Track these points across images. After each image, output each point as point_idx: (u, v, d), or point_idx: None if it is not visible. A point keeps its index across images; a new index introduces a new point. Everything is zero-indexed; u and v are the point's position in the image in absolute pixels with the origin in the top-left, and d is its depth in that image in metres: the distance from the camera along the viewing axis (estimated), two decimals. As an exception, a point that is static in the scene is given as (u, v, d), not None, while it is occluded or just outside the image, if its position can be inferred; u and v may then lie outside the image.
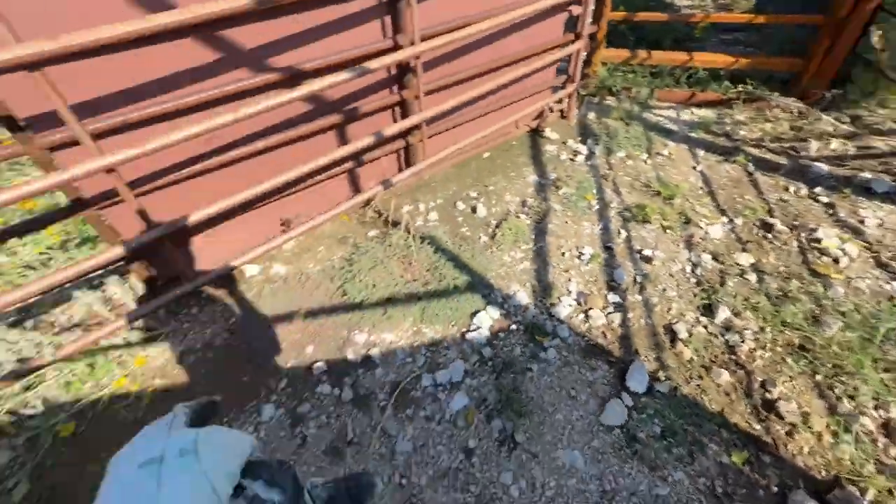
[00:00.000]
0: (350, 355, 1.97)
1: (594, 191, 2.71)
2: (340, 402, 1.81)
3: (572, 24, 3.01)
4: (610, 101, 3.45)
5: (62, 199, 2.63)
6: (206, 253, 2.23)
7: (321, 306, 2.19)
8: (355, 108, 2.30)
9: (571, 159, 2.99)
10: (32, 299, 2.03)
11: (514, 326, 2.04)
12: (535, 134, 3.27)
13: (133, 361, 1.99)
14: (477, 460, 1.61)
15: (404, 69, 2.32)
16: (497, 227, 2.53)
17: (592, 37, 3.24)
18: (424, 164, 2.66)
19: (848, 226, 2.32)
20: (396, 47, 2.19)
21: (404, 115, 2.52)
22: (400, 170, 2.82)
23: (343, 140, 2.41)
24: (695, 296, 2.10)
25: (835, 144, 2.79)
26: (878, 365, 1.72)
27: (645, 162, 2.90)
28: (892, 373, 1.69)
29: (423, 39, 2.20)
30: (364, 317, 2.12)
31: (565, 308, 2.08)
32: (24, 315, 2.10)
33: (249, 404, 1.83)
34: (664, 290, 2.13)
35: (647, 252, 2.29)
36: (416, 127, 2.53)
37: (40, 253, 2.44)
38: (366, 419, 1.75)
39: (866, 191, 2.48)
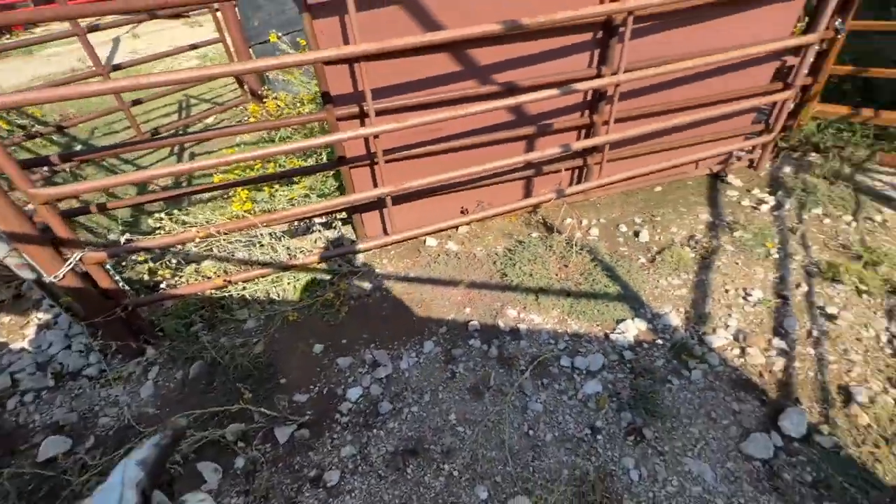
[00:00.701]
0: (500, 323, 2.27)
1: (776, 240, 2.57)
2: (487, 357, 2.11)
3: (784, 74, 2.93)
4: (814, 157, 3.19)
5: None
6: (406, 218, 2.80)
7: (483, 281, 2.56)
8: (549, 123, 2.66)
9: (754, 207, 2.87)
10: (295, 221, 2.82)
11: (659, 341, 2.09)
12: (716, 178, 3.22)
13: (340, 285, 2.61)
14: (602, 438, 1.74)
15: (600, 96, 2.61)
16: (658, 252, 2.60)
17: (806, 88, 3.08)
18: (595, 184, 2.87)
19: None
20: (599, 76, 2.50)
21: (587, 137, 2.79)
22: (572, 185, 3.08)
23: (531, 149, 2.79)
24: (887, 367, 1.86)
25: None
26: None
27: (848, 224, 2.63)
28: None
29: (627, 72, 2.46)
30: (517, 298, 2.41)
31: (719, 339, 2.06)
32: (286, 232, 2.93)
33: (415, 338, 2.25)
34: (846, 350, 1.94)
35: (831, 310, 2.11)
36: (596, 149, 2.78)
37: (293, 199, 3.36)
38: (506, 376, 2.01)
39: None
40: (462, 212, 2.98)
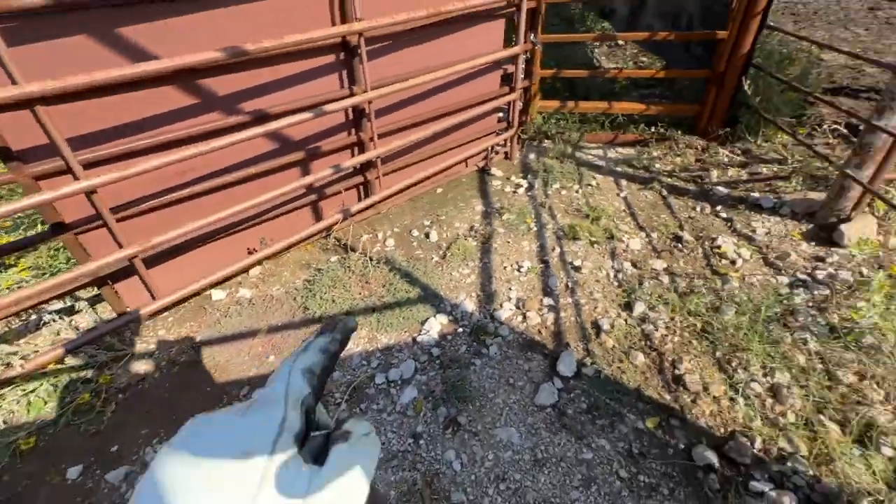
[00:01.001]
0: (309, 361, 2.13)
1: (532, 215, 3.06)
2: (299, 402, 1.95)
3: (508, 79, 3.53)
4: (547, 143, 3.93)
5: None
6: (178, 275, 2.40)
7: (284, 322, 2.37)
8: (317, 146, 2.63)
9: (514, 192, 3.38)
10: (12, 316, 2.13)
11: (460, 329, 2.26)
12: (483, 172, 3.68)
13: (100, 378, 2.08)
14: (424, 443, 1.77)
15: (361, 113, 2.69)
16: (447, 248, 2.82)
17: (527, 90, 3.77)
18: (379, 197, 2.97)
19: (742, 235, 2.72)
20: (351, 94, 2.57)
21: (360, 154, 2.86)
22: (360, 201, 3.12)
23: (306, 173, 2.71)
24: (617, 296, 2.40)
25: (731, 172, 3.29)
26: (763, 339, 2.02)
27: (577, 192, 3.31)
28: (773, 346, 2.00)
29: (374, 89, 2.59)
30: (323, 328, 2.30)
31: (506, 312, 2.34)
32: (-9, 339, 2.18)
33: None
34: (591, 292, 2.43)
35: (577, 263, 2.61)
36: (372, 164, 2.87)
37: (8, 287, 2.55)
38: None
39: (757, 207, 2.93)
40: (249, 252, 2.71)
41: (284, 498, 0.30)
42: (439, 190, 3.48)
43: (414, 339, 2.22)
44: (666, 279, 2.47)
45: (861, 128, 2.44)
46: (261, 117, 2.27)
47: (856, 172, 2.41)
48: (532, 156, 3.84)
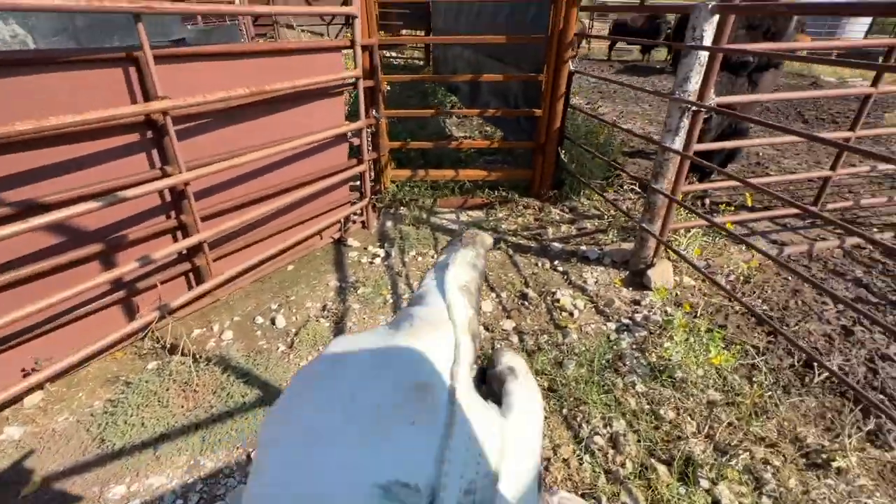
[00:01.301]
0: (100, 516, 1.64)
1: (389, 286, 2.99)
2: (76, 583, 1.46)
3: (356, 152, 3.55)
4: (403, 210, 4.00)
5: None
6: None
7: (70, 465, 1.83)
8: (124, 235, 2.24)
9: (371, 262, 3.30)
10: None
11: (306, 432, 2.00)
12: (339, 243, 3.55)
13: None
14: None
15: (180, 195, 2.39)
16: (296, 334, 2.56)
17: (376, 161, 3.84)
18: (212, 284, 2.62)
19: (577, 286, 3.01)
20: (165, 176, 2.28)
21: (184, 238, 2.52)
22: (192, 289, 2.71)
23: (110, 268, 2.27)
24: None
25: (563, 228, 3.70)
26: (600, 389, 2.16)
27: (432, 257, 3.36)
28: (608, 394, 2.15)
29: (194, 168, 2.34)
30: (126, 464, 1.83)
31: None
32: None
33: None
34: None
35: (433, 333, 2.57)
36: (199, 249, 2.54)
37: None
38: None
39: (585, 259, 3.29)
40: (24, 374, 2.11)
41: (483, 441, 0.25)
42: (291, 267, 3.24)
43: (248, 455, 1.89)
44: (515, 339, 2.55)
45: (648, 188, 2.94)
46: (36, 206, 1.85)
47: (649, 226, 2.86)
48: (389, 223, 3.85)
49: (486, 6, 5.40)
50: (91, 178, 2.08)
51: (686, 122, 2.54)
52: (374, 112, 3.55)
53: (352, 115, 3.54)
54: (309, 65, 2.86)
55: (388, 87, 6.17)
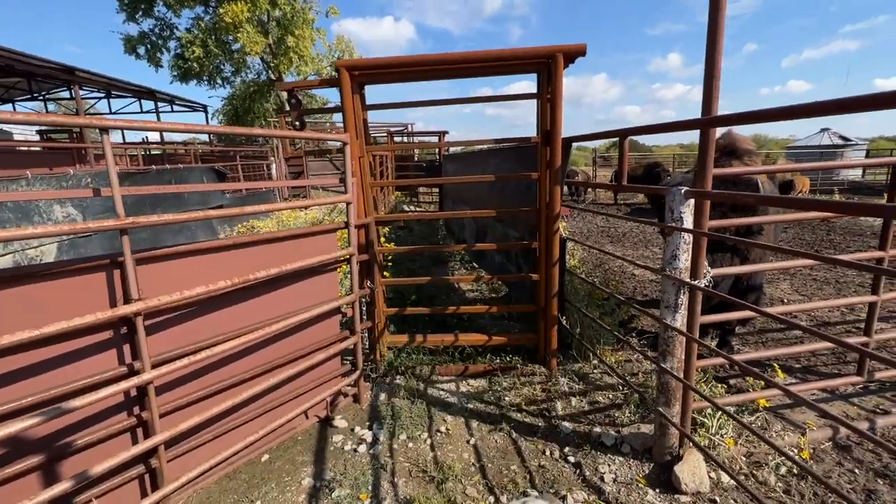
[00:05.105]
0: None
1: (370, 486, 2.58)
2: None
3: (349, 322, 3.47)
4: (399, 380, 3.74)
5: None
6: None
7: None
8: (78, 438, 2.05)
9: (355, 449, 2.93)
10: None
11: None
12: (326, 422, 3.24)
13: None
14: None
15: (141, 392, 2.26)
16: (249, 561, 2.12)
17: (371, 329, 3.73)
18: (170, 489, 2.30)
19: (591, 485, 2.51)
20: (132, 372, 2.19)
21: (146, 438, 2.30)
22: (148, 496, 2.38)
23: (59, 476, 2.02)
24: None
25: (574, 402, 3.31)
26: None
27: (425, 442, 2.98)
28: None
29: (166, 361, 2.24)
30: None
31: None
32: None
33: None
34: None
35: (412, 562, 2.08)
36: (155, 451, 2.30)
37: None
38: None
39: (601, 445, 2.83)
40: None
41: None
42: (265, 457, 2.90)
43: None
44: (515, 573, 2.02)
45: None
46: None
47: (666, 410, 2.49)
48: (383, 395, 3.56)
49: (488, 169, 5.91)
50: (56, 380, 1.99)
51: (684, 299, 2.37)
52: (368, 283, 3.57)
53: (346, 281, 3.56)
54: (301, 248, 2.96)
55: (390, 258, 6.44)
